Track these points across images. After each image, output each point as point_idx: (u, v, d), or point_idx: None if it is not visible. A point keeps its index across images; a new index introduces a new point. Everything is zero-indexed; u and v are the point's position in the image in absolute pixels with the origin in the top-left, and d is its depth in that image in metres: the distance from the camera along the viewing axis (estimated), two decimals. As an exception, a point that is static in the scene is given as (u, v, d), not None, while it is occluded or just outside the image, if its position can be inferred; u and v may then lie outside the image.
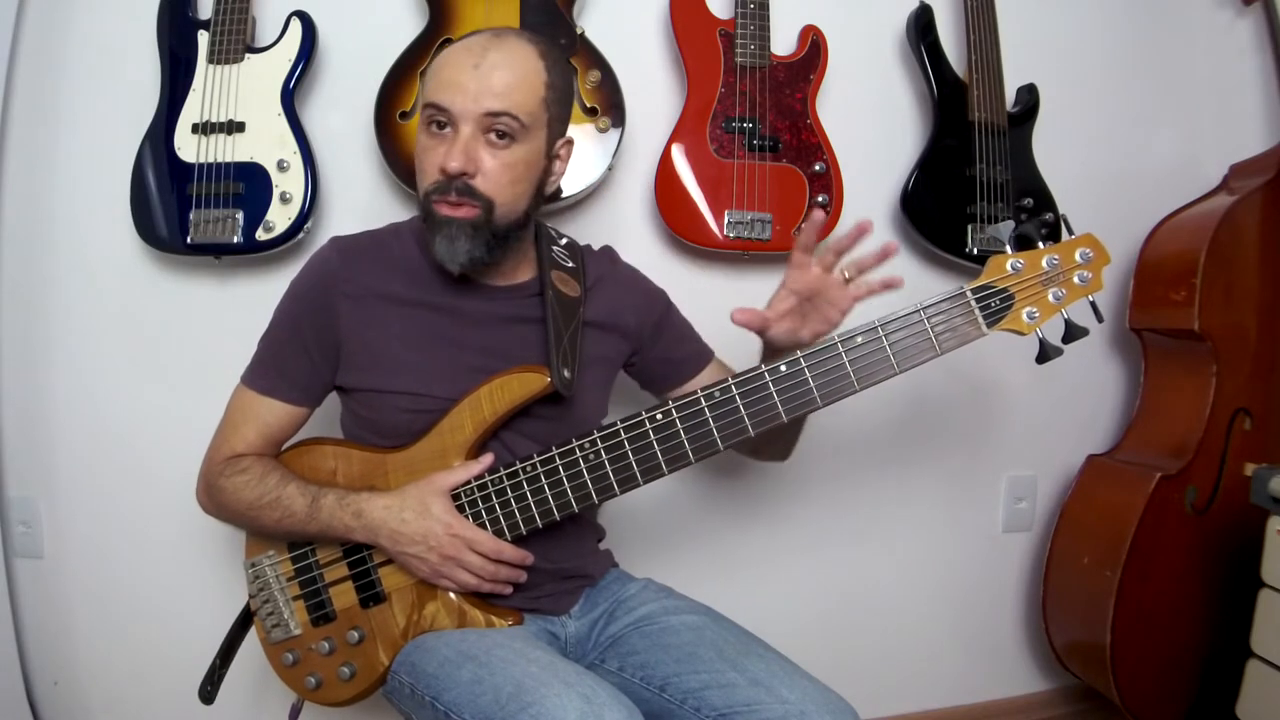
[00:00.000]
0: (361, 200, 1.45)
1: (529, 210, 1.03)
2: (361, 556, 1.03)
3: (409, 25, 1.40)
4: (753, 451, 1.23)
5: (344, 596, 1.04)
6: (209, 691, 1.11)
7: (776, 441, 1.19)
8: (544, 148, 1.02)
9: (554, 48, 1.04)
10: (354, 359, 1.03)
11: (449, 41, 1.36)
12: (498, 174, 0.97)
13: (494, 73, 0.95)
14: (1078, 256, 0.94)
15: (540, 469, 0.98)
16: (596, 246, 1.22)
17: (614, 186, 1.50)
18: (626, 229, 1.51)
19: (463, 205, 0.97)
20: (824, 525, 1.66)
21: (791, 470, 1.60)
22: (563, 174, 1.09)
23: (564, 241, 1.16)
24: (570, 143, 1.08)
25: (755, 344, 1.09)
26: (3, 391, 1.45)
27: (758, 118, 1.44)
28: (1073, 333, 0.95)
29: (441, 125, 0.97)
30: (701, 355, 1.21)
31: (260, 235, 1.33)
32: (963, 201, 1.52)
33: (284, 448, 1.09)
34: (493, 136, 0.96)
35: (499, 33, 1.00)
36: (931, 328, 0.93)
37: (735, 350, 1.20)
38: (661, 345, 1.18)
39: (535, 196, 1.04)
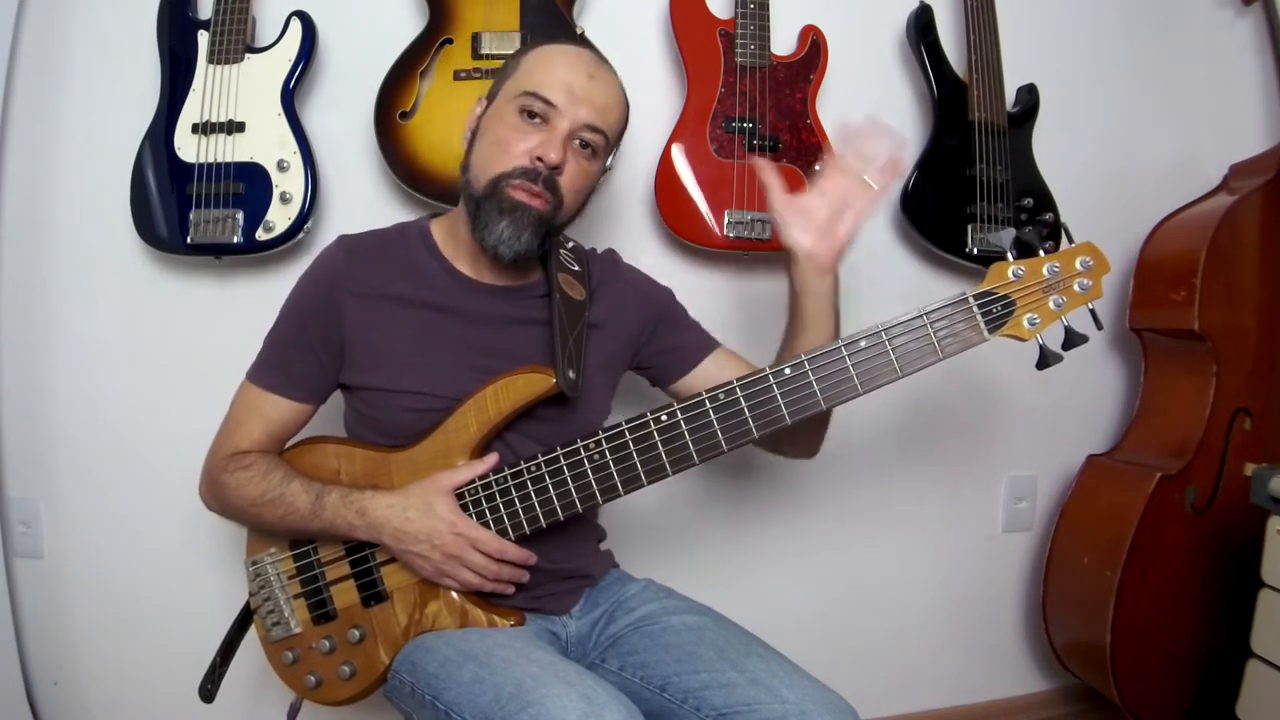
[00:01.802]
0: (361, 200, 1.45)
1: (572, 219, 1.08)
2: (364, 555, 1.03)
3: (409, 25, 1.40)
4: (777, 449, 1.20)
5: (345, 595, 1.04)
6: (209, 690, 1.11)
7: (800, 440, 1.17)
8: (601, 169, 1.07)
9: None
10: (359, 358, 1.04)
11: (449, 42, 1.36)
12: (574, 179, 1.01)
13: (604, 91, 1.02)
14: (1078, 264, 0.96)
15: (545, 468, 0.98)
16: (597, 247, 1.22)
17: (614, 186, 1.51)
18: (626, 229, 1.51)
19: (541, 196, 0.99)
20: (824, 525, 1.66)
21: (791, 471, 1.61)
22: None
23: (570, 245, 1.17)
24: (607, 170, 1.11)
25: (761, 344, 1.09)
26: (3, 391, 1.45)
27: (758, 118, 1.44)
28: (1072, 340, 0.97)
29: (533, 115, 0.99)
30: (705, 343, 1.19)
31: (260, 235, 1.33)
32: (963, 201, 1.52)
33: (287, 445, 1.09)
34: (577, 145, 1.00)
35: (597, 55, 1.06)
36: (934, 332, 0.94)
37: (738, 348, 1.20)
38: (662, 337, 1.18)
39: (579, 210, 1.08)
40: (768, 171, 1.03)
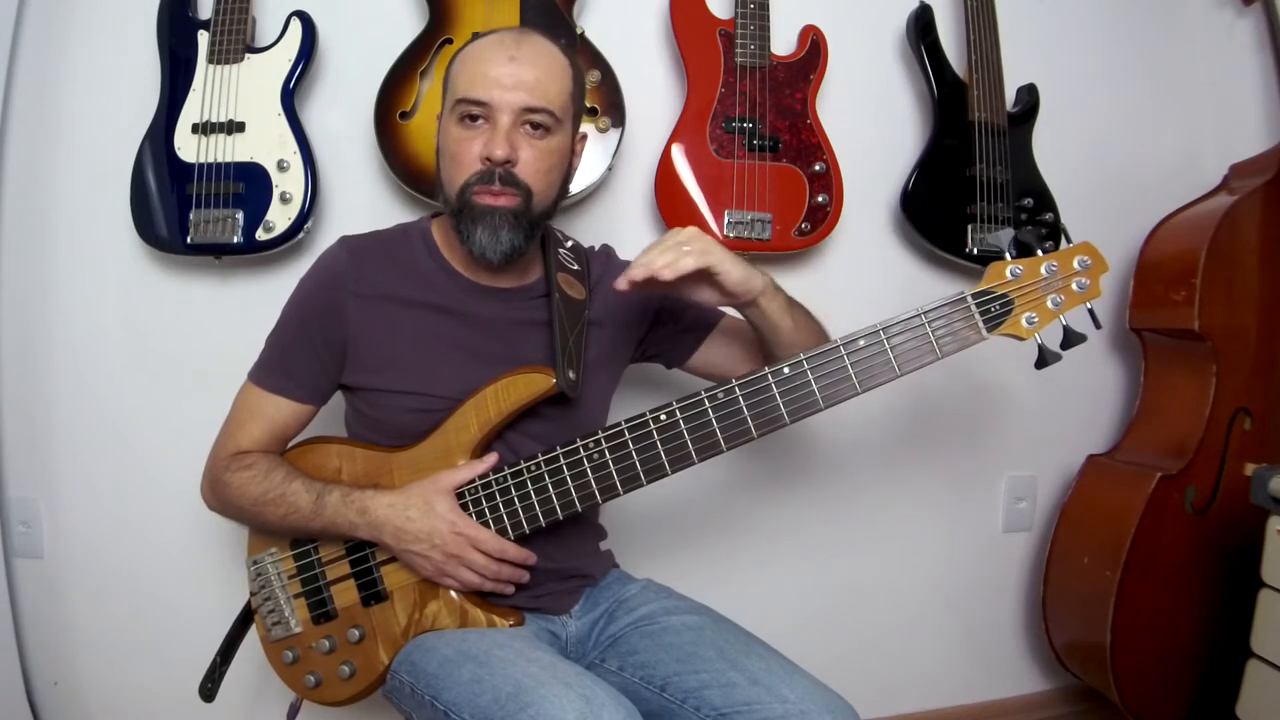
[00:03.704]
0: (361, 200, 1.45)
1: (557, 202, 1.06)
2: (364, 554, 1.03)
3: (409, 25, 1.40)
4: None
5: (345, 594, 1.04)
6: (209, 689, 1.11)
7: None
8: (570, 141, 1.04)
9: (569, 47, 1.07)
10: (360, 359, 1.04)
11: (449, 42, 1.36)
12: (535, 162, 0.99)
13: (531, 67, 0.98)
14: (1076, 264, 0.96)
15: (544, 468, 0.99)
16: (596, 247, 1.22)
17: (614, 186, 1.50)
18: (626, 229, 1.51)
19: (504, 194, 0.99)
20: (824, 525, 1.66)
21: (792, 471, 1.61)
22: (577, 168, 1.10)
23: (569, 244, 1.17)
24: (584, 138, 1.10)
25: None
26: (3, 391, 1.44)
27: (758, 118, 1.44)
28: (1071, 339, 0.96)
29: (474, 118, 0.98)
30: (710, 315, 1.19)
31: (260, 235, 1.33)
32: (963, 201, 1.52)
33: (289, 445, 1.09)
34: (527, 128, 0.99)
35: (522, 29, 1.03)
36: (932, 331, 0.94)
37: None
38: (664, 323, 1.18)
39: (562, 189, 1.06)
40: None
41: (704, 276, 0.98)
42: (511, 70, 0.97)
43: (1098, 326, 0.97)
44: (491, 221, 0.99)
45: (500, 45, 0.99)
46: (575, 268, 1.13)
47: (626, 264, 1.20)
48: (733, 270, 0.98)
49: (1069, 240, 0.98)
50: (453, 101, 1.00)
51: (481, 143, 0.98)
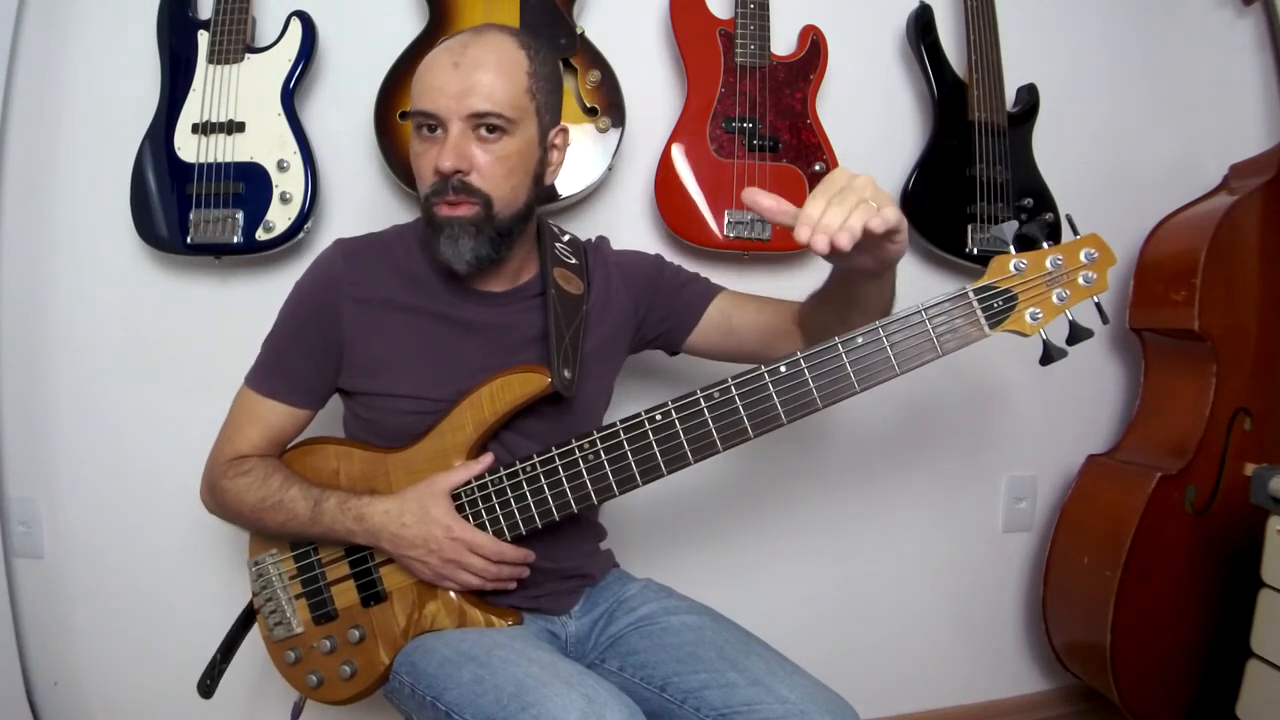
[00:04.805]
0: (361, 200, 1.45)
1: (529, 203, 1.03)
2: (363, 555, 1.04)
3: (409, 25, 1.40)
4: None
5: (345, 595, 1.04)
6: (208, 686, 1.11)
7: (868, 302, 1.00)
8: (536, 137, 1.01)
9: (535, 37, 1.04)
10: (357, 362, 1.04)
11: (449, 41, 1.36)
12: (492, 168, 0.97)
13: (474, 71, 0.95)
14: (1083, 257, 0.93)
15: (540, 469, 0.98)
16: (593, 239, 1.22)
17: (614, 187, 1.50)
18: (626, 229, 1.50)
19: (461, 204, 0.97)
20: (824, 525, 1.66)
21: (792, 471, 1.61)
22: (561, 164, 1.08)
23: (566, 238, 1.16)
24: (565, 130, 1.07)
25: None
26: (3, 391, 1.44)
27: (758, 118, 1.44)
28: (1077, 334, 0.93)
29: (432, 129, 0.97)
30: (704, 294, 1.17)
31: (260, 235, 1.33)
32: (963, 201, 1.52)
33: (288, 447, 1.09)
34: (482, 132, 0.96)
35: (477, 30, 1.01)
36: (933, 328, 0.92)
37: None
38: (660, 307, 1.17)
39: (534, 188, 1.03)
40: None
41: (875, 243, 0.84)
42: (456, 77, 0.95)
43: (1105, 321, 0.94)
44: (452, 232, 0.98)
45: (447, 52, 0.97)
46: (573, 262, 1.13)
47: (620, 254, 1.20)
48: (905, 236, 0.86)
49: (1076, 232, 0.95)
50: (412, 113, 0.99)
51: (435, 154, 0.96)
